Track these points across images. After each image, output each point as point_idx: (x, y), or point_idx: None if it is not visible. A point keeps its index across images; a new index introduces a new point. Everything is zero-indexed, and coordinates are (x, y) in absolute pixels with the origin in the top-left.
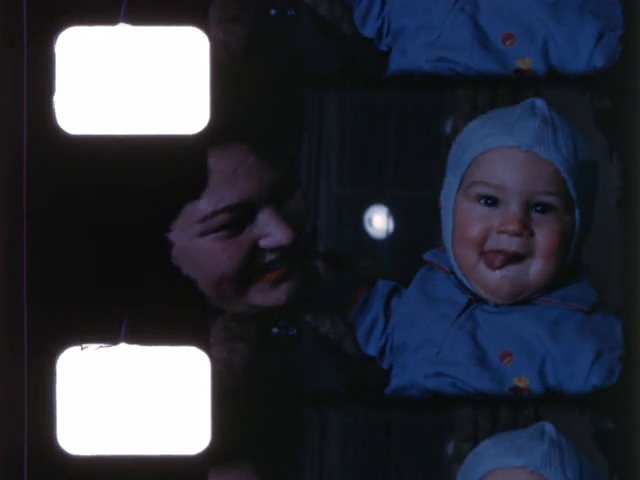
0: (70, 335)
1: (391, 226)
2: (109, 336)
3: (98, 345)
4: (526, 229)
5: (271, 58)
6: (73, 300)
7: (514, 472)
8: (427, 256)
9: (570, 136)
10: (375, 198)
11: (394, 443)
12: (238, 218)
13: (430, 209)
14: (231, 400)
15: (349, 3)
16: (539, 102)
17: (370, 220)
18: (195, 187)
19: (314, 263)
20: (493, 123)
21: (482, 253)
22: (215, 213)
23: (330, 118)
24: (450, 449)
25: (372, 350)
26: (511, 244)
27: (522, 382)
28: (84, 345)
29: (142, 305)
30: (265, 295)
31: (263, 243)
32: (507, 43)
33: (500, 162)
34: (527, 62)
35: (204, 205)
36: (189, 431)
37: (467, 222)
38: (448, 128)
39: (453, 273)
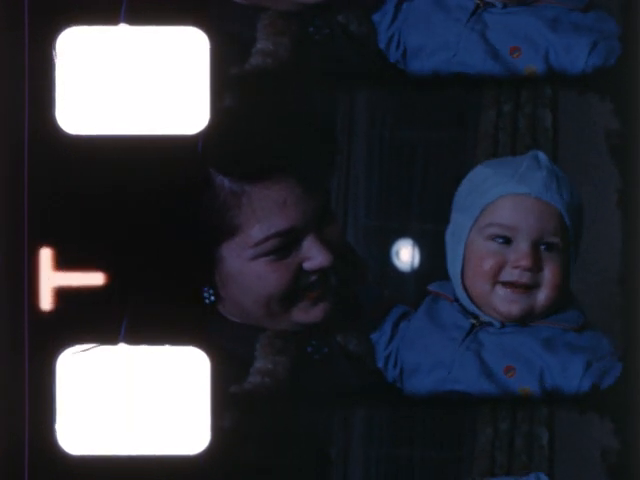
0: (70, 335)
1: (417, 259)
2: (109, 336)
3: (92, 345)
4: (536, 265)
5: (311, 73)
6: (73, 300)
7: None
8: (432, 287)
9: (568, 184)
10: (401, 231)
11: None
12: (286, 243)
13: None
14: (231, 400)
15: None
16: (542, 155)
17: (397, 253)
18: (195, 187)
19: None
20: (505, 172)
21: (495, 283)
22: (267, 239)
23: (358, 152)
24: None
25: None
26: (522, 277)
27: (526, 391)
28: (82, 349)
29: (142, 305)
30: (306, 313)
31: (307, 265)
32: (514, 55)
33: (513, 207)
34: (534, 68)
35: (257, 232)
36: (189, 431)
37: (483, 257)
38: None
39: (457, 301)
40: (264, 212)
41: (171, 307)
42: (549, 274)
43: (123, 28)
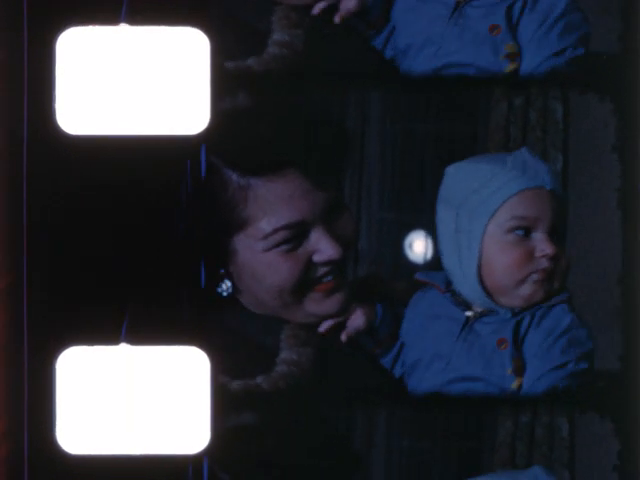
0: (70, 335)
1: (430, 251)
2: (109, 336)
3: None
4: (557, 253)
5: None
6: (73, 300)
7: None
8: (420, 276)
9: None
10: (415, 223)
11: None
12: (295, 235)
13: None
14: (231, 400)
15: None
16: (528, 150)
17: (410, 245)
18: (195, 187)
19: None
20: (510, 167)
21: (525, 272)
22: (275, 231)
23: (371, 146)
24: None
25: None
26: (548, 264)
27: (517, 362)
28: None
29: (142, 305)
30: (319, 304)
31: (316, 258)
32: (494, 33)
33: (533, 199)
34: (513, 47)
35: (265, 224)
36: (189, 431)
37: (509, 249)
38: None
39: (449, 292)
40: (272, 205)
41: (171, 307)
42: (562, 259)
43: (123, 28)
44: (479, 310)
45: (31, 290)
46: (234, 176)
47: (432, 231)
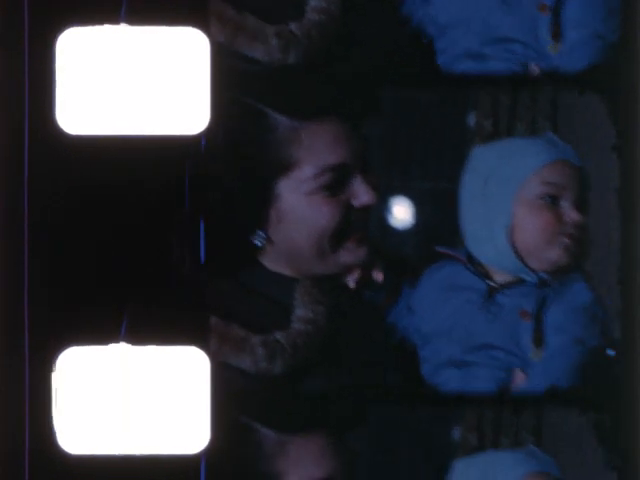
0: (70, 335)
1: (413, 217)
2: (109, 336)
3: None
4: (584, 221)
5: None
6: (73, 300)
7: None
8: (441, 249)
9: None
10: (401, 189)
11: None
12: (337, 179)
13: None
14: (231, 400)
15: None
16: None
17: (393, 210)
18: (195, 187)
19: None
20: (544, 142)
21: (555, 234)
22: (321, 172)
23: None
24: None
25: None
26: (575, 230)
27: (538, 334)
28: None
29: (142, 305)
30: (351, 253)
31: (356, 202)
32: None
33: (562, 170)
34: (557, 26)
35: (311, 166)
36: (189, 431)
37: (541, 212)
38: (471, 122)
39: (471, 263)
40: (317, 148)
41: (171, 307)
42: (585, 232)
43: (123, 28)
44: (501, 281)
45: (31, 290)
46: (283, 119)
47: (416, 197)
